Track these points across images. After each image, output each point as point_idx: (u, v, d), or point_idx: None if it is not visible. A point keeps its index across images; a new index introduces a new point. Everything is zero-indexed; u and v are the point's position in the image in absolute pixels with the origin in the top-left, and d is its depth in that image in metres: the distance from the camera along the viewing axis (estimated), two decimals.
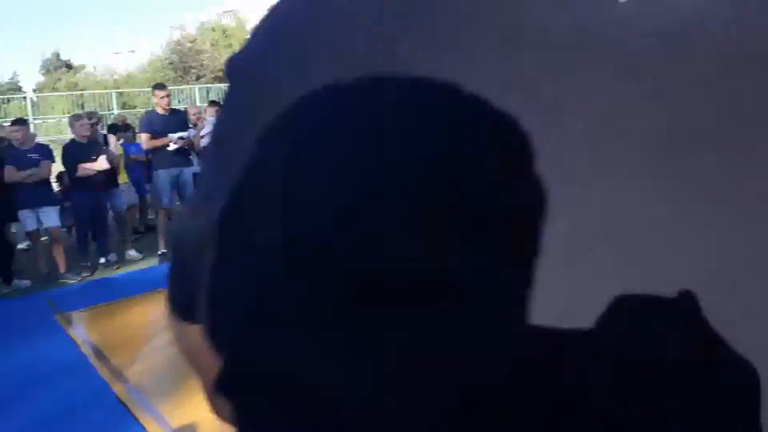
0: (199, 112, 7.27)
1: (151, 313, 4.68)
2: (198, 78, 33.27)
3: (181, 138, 6.18)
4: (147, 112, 6.80)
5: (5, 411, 3.20)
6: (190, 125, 6.66)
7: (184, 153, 6.33)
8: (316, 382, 0.26)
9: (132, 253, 6.69)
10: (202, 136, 6.66)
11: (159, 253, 6.41)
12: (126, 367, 3.60)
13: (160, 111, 6.25)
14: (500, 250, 0.23)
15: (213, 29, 37.73)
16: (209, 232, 0.29)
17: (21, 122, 6.06)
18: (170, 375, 3.41)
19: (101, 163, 5.88)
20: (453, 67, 0.23)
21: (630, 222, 0.22)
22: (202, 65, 34.27)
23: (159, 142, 6.16)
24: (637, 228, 0.22)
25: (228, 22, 41.93)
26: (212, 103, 8.13)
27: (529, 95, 0.23)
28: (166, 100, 6.28)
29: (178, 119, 6.38)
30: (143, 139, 6.20)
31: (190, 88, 23.32)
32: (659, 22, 0.22)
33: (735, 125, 0.22)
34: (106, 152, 6.20)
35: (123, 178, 6.91)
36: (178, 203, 6.35)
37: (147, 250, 6.76)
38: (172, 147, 6.18)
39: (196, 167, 6.27)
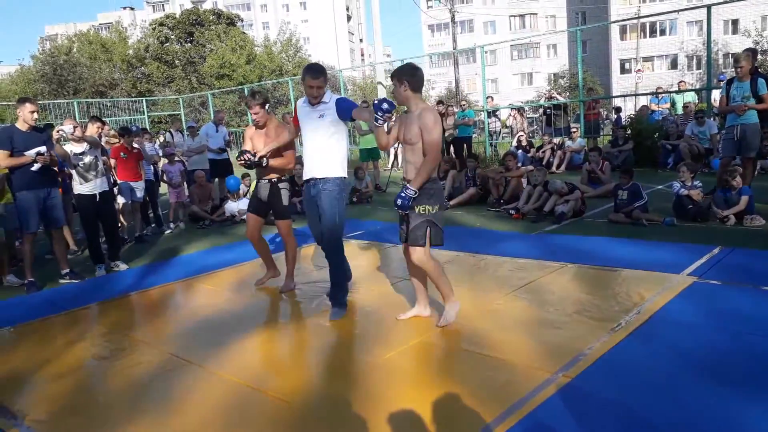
0: (79, 127, 6.66)
1: (31, 344, 4.21)
2: (76, 92, 31.07)
3: (40, 154, 5.63)
4: (5, 128, 6.16)
5: None
6: (65, 139, 6.08)
7: (49, 173, 5.80)
8: None
9: (11, 278, 6.13)
10: (82, 153, 6.10)
11: (25, 282, 5.81)
12: (19, 406, 3.18)
13: (22, 127, 5.70)
14: None
15: (90, 42, 35.49)
16: None
17: None
18: (69, 411, 3.05)
19: None
20: None
21: None
22: (80, 78, 32.06)
23: (19, 161, 5.60)
24: None
25: (107, 34, 39.61)
26: (94, 118, 7.46)
27: None
28: (35, 115, 5.74)
29: (41, 137, 5.83)
30: (0, 156, 5.59)
31: (68, 103, 21.72)
32: None
33: None
34: None
35: (8, 199, 6.23)
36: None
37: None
38: (35, 166, 5.63)
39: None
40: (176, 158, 9.46)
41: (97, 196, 6.25)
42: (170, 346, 4.02)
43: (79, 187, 6.21)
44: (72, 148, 6.14)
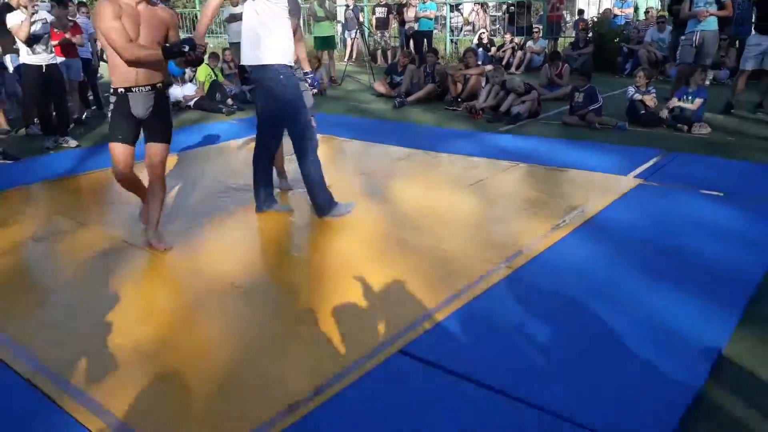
0: None
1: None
2: None
3: None
4: None
5: None
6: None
7: None
8: None
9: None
10: (33, 23, 5.86)
11: None
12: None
13: None
14: None
15: None
16: None
17: None
18: (14, 294, 2.97)
19: None
20: None
21: None
22: None
23: None
24: None
25: None
26: None
27: None
28: None
29: None
30: None
31: None
32: None
33: None
34: None
35: None
36: None
37: None
38: None
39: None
40: None
41: (44, 68, 6.02)
42: (114, 230, 3.92)
43: (27, 58, 5.95)
44: (26, 18, 5.79)
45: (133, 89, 3.31)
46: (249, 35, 3.73)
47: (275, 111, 3.86)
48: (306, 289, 3.08)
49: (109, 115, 3.44)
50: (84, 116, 7.76)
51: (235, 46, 10.44)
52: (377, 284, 3.00)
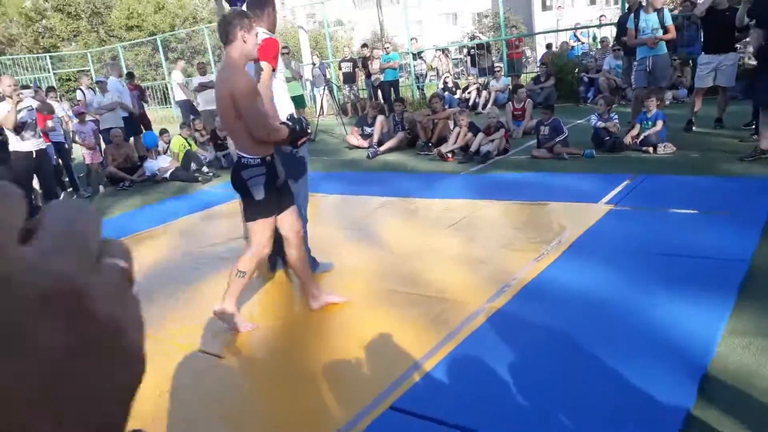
0: (15, 85, 6.19)
1: None
2: None
3: None
4: None
5: None
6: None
7: None
8: None
9: None
10: (19, 111, 6.04)
11: None
12: None
13: None
14: None
15: None
16: None
17: None
18: None
19: None
20: None
21: None
22: None
23: None
24: None
25: None
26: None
27: None
28: None
29: None
30: None
31: None
32: None
33: None
34: None
35: None
36: None
37: None
38: None
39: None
40: (87, 117, 8.90)
41: (34, 153, 6.18)
42: None
43: (16, 145, 6.08)
44: (12, 107, 5.95)
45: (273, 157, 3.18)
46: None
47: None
48: (293, 349, 3.07)
49: (254, 188, 3.11)
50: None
51: (206, 113, 10.63)
52: (364, 338, 3.00)
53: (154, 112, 16.45)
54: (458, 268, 3.85)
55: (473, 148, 7.42)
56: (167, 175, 8.55)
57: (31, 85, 7.23)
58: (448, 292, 3.46)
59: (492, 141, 7.36)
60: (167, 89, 19.46)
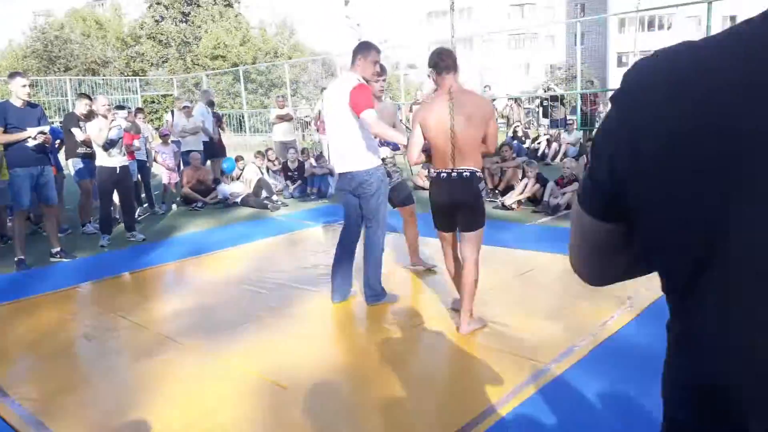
0: (109, 105, 6.66)
1: (21, 323, 4.19)
2: (66, 69, 30.60)
3: (42, 133, 5.61)
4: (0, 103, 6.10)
5: None
6: (100, 116, 6.35)
7: (43, 150, 5.74)
8: None
9: None
10: (111, 129, 6.38)
11: (15, 259, 5.77)
12: (9, 383, 3.17)
13: (16, 102, 5.63)
14: None
15: (84, 19, 34.97)
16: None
17: None
18: (61, 390, 3.04)
19: None
20: None
21: None
22: (72, 55, 31.57)
23: (16, 137, 5.53)
24: None
25: (102, 11, 39.06)
26: (82, 96, 7.51)
27: None
28: (27, 90, 5.67)
29: (36, 113, 5.78)
30: None
31: (59, 80, 21.44)
32: None
33: None
34: None
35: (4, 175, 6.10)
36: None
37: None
38: (31, 143, 5.58)
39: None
40: (169, 139, 9.38)
41: (118, 169, 6.49)
42: (162, 328, 4.01)
43: (102, 160, 6.44)
44: (104, 125, 6.33)
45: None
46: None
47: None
48: (373, 376, 3.06)
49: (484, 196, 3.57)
50: (137, 215, 8.15)
51: (279, 145, 10.98)
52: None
53: (228, 138, 17.15)
54: (525, 320, 3.76)
55: (545, 198, 7.33)
56: (239, 200, 8.85)
57: (126, 106, 7.69)
58: (511, 348, 3.38)
59: (564, 194, 7.25)
60: (243, 118, 20.31)
